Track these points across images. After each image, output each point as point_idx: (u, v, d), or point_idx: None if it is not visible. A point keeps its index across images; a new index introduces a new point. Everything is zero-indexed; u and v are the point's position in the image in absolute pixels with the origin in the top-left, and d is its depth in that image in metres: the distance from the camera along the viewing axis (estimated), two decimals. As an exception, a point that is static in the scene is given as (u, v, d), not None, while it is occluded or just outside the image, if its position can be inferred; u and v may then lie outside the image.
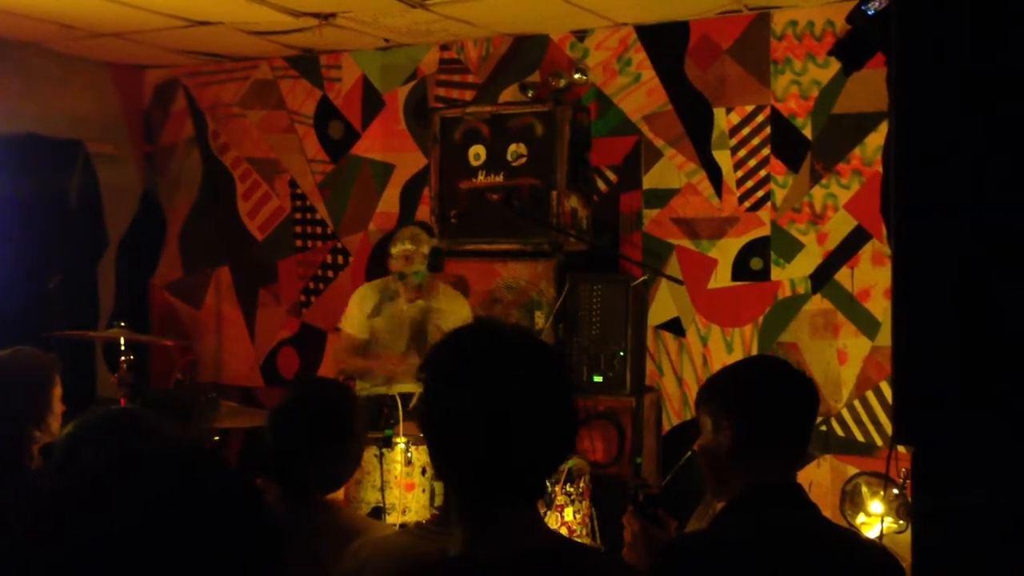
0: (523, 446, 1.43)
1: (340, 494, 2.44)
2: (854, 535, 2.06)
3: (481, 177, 4.81)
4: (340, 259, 5.76)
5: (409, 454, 3.34)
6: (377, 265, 5.54)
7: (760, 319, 4.77)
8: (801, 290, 4.70)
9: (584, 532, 3.49)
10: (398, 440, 3.36)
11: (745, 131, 4.80)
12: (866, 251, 4.57)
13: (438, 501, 3.57)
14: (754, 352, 4.75)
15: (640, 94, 4.99)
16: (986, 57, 1.43)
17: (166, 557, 0.91)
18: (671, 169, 4.94)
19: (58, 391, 3.05)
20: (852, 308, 4.59)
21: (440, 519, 2.15)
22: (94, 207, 5.93)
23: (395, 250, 4.17)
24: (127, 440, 1.06)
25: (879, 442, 4.51)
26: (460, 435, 1.43)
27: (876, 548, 2.08)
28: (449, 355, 1.49)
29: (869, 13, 1.99)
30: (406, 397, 4.19)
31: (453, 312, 4.29)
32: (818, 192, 4.66)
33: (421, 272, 4.15)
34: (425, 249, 4.19)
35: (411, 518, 3.33)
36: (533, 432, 1.44)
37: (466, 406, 1.42)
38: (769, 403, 1.99)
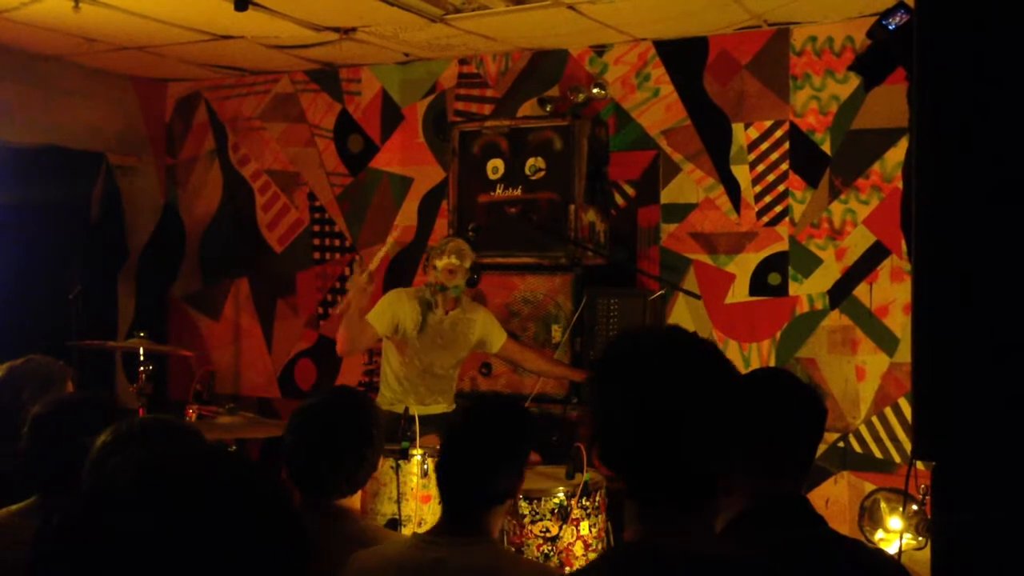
0: (708, 446, 1.43)
1: (356, 503, 2.45)
2: (861, 546, 2.04)
3: (499, 191, 4.82)
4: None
5: (425, 466, 3.35)
6: (395, 278, 5.56)
7: (778, 334, 4.76)
8: (819, 306, 4.68)
9: (600, 546, 3.48)
10: (414, 452, 3.36)
11: (764, 146, 4.80)
12: (885, 267, 4.55)
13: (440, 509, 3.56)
14: (772, 368, 4.73)
15: (659, 109, 5.00)
16: (1008, 72, 1.43)
17: (199, 559, 0.92)
18: (689, 184, 4.94)
19: None
20: (870, 324, 4.57)
21: (435, 529, 2.17)
22: (115, 218, 5.98)
23: (440, 263, 4.13)
24: (162, 446, 1.07)
25: (897, 459, 4.48)
26: (654, 436, 1.42)
27: (884, 559, 2.06)
28: (638, 356, 1.48)
29: (890, 28, 1.99)
30: (440, 416, 4.20)
31: (479, 321, 4.28)
32: (837, 207, 4.65)
33: (461, 287, 4.15)
34: (468, 264, 4.18)
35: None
36: (712, 432, 1.44)
37: (661, 407, 1.42)
38: (775, 419, 1.97)
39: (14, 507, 2.25)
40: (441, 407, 4.23)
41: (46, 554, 0.95)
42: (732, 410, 1.47)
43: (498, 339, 4.32)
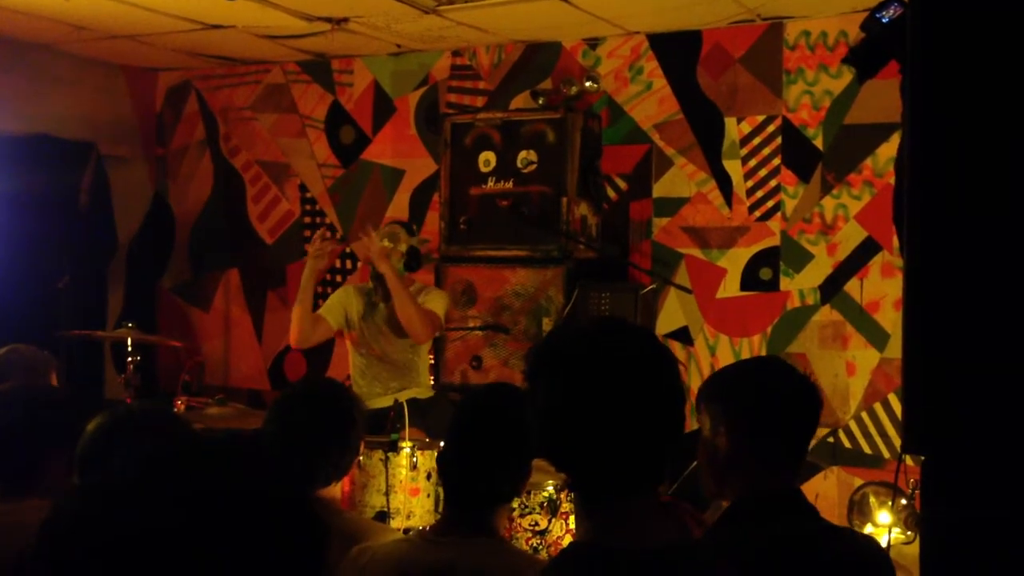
0: (649, 435, 1.41)
1: (337, 493, 2.44)
2: (854, 537, 2.02)
3: (491, 183, 4.81)
4: (349, 263, 5.76)
5: (414, 459, 3.33)
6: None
7: (769, 329, 4.76)
8: (810, 301, 4.68)
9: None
10: (403, 444, 3.35)
11: (756, 141, 4.79)
12: (876, 262, 4.55)
13: (443, 506, 3.55)
14: (762, 362, 4.73)
15: (651, 102, 4.99)
16: (1002, 66, 1.42)
17: (215, 553, 0.89)
18: (681, 178, 4.93)
19: None
20: (861, 319, 4.57)
21: (440, 528, 2.14)
22: (105, 208, 5.95)
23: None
24: (161, 437, 1.04)
25: (887, 454, 4.48)
26: (596, 428, 1.40)
27: (876, 549, 2.05)
28: (582, 350, 1.46)
29: (884, 21, 1.99)
30: (412, 403, 4.18)
31: (424, 295, 4.22)
32: (828, 202, 4.65)
33: (399, 270, 4.13)
34: (402, 247, 4.16)
35: (415, 523, 3.31)
36: (662, 424, 1.42)
37: (600, 399, 1.39)
38: (770, 410, 1.94)
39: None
40: (410, 393, 4.20)
41: (50, 550, 0.93)
42: (672, 397, 1.45)
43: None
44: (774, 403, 1.95)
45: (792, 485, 1.97)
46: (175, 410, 3.94)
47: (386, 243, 4.14)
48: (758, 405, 1.94)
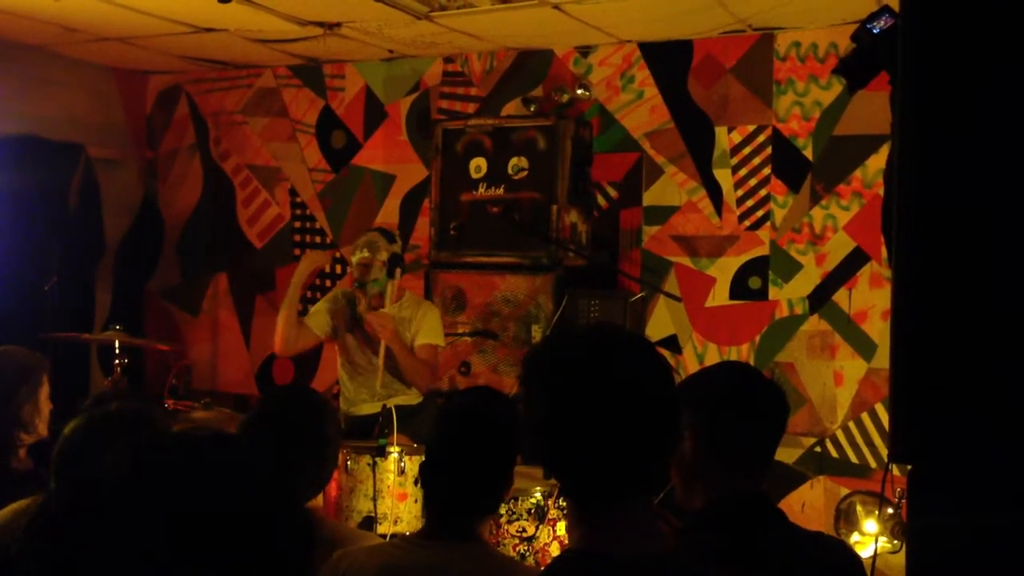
0: (643, 443, 1.40)
1: (319, 502, 2.42)
2: (822, 541, 2.02)
3: (482, 190, 4.81)
4: (339, 268, 5.75)
5: (402, 464, 3.32)
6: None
7: (757, 338, 4.77)
8: (799, 310, 4.70)
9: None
10: (391, 450, 3.34)
11: (746, 150, 4.81)
12: (864, 273, 4.57)
13: (425, 513, 3.54)
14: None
15: (642, 111, 5.00)
16: (992, 78, 1.43)
17: (201, 556, 0.89)
18: (672, 186, 4.95)
19: (45, 391, 3.04)
20: (849, 329, 4.59)
21: (424, 533, 2.13)
22: (94, 210, 5.92)
23: (354, 259, 4.09)
24: (141, 438, 1.04)
25: (873, 464, 4.50)
26: (598, 431, 1.38)
27: (845, 551, 2.05)
28: (580, 354, 1.45)
29: (875, 32, 1.99)
30: (400, 409, 4.17)
31: (419, 320, 4.16)
32: (818, 213, 4.67)
33: (380, 280, 4.06)
34: (383, 256, 4.04)
35: (403, 528, 3.30)
36: (657, 430, 1.41)
37: (603, 402, 1.38)
38: (733, 415, 1.94)
39: (23, 502, 2.22)
40: (399, 400, 4.18)
41: (41, 547, 0.93)
42: (667, 404, 1.44)
43: (418, 338, 4.13)
44: (737, 408, 1.95)
45: (758, 490, 1.96)
46: (155, 410, 3.91)
47: (365, 254, 4.04)
48: (721, 410, 1.95)
